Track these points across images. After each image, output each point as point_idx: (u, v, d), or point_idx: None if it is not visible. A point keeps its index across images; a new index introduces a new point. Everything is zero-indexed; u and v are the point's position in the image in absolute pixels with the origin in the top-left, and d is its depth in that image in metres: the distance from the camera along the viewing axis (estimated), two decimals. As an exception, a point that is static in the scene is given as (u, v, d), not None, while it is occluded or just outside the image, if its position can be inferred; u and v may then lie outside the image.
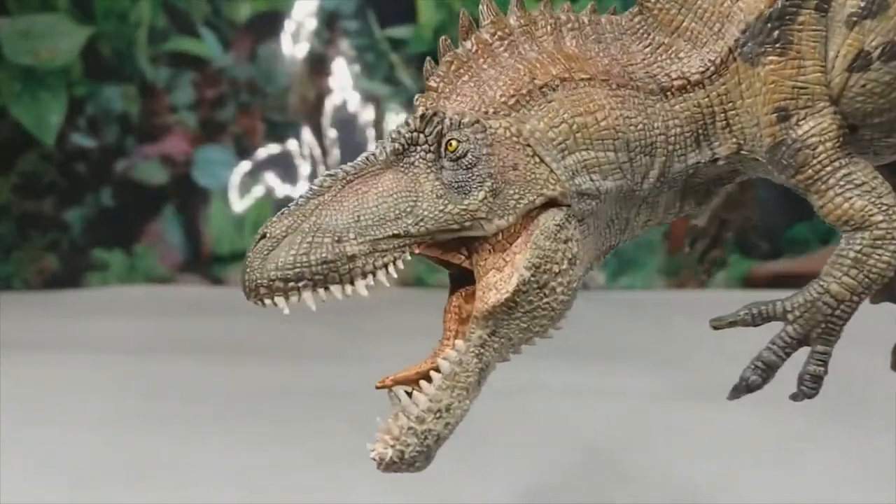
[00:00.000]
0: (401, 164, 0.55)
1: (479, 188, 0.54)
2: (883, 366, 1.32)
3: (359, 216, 0.53)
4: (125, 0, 1.68)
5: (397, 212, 0.53)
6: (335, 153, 1.79)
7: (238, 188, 1.78)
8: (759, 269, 1.78)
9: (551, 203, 0.56)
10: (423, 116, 0.55)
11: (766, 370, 0.60)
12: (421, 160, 0.54)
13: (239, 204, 1.79)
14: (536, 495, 0.95)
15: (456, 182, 0.54)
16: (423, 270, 1.75)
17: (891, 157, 0.63)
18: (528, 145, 0.56)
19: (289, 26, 1.70)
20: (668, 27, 0.60)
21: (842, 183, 0.58)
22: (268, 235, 0.52)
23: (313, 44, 1.70)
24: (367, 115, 1.79)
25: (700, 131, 0.60)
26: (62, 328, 1.49)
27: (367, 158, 0.55)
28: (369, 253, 0.53)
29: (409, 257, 0.53)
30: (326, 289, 0.51)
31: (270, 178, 1.80)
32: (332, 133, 1.79)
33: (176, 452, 1.02)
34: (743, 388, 0.60)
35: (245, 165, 1.79)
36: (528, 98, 0.57)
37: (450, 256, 0.55)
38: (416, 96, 0.57)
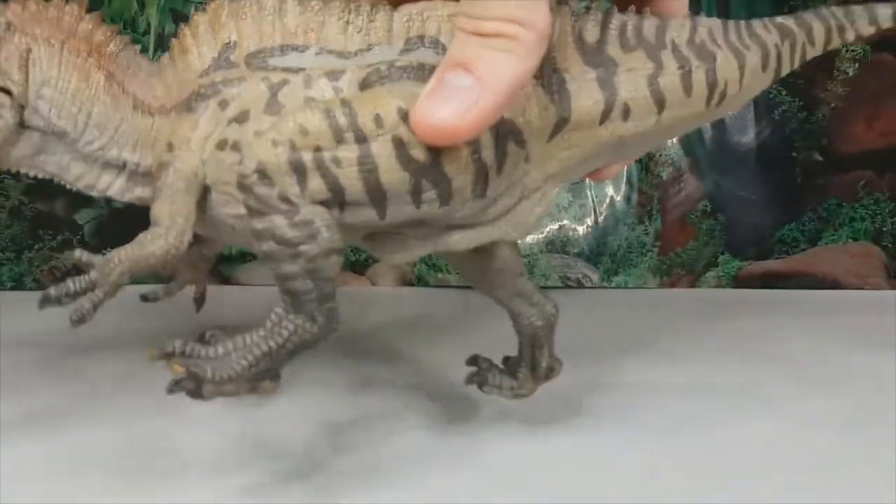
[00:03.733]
0: None
1: None
2: (883, 365, 1.33)
3: None
4: (133, 7, 1.70)
5: None
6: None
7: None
8: (749, 268, 1.80)
9: (8, 93, 0.87)
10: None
11: (62, 293, 0.84)
12: None
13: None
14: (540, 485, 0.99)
15: None
16: (424, 270, 1.77)
17: (232, 230, 0.90)
18: (27, 60, 0.87)
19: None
20: (164, 76, 0.91)
21: (165, 196, 0.87)
22: None
23: (317, 50, 1.72)
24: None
25: (138, 141, 0.90)
26: (72, 327, 1.50)
27: None
28: None
29: None
30: None
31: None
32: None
33: (180, 452, 1.04)
34: (51, 299, 0.85)
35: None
36: (53, 44, 0.88)
37: None
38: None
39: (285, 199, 0.80)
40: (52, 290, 0.84)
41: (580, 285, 1.79)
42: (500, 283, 1.00)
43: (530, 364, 1.02)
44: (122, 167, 0.92)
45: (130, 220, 1.80)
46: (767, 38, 0.98)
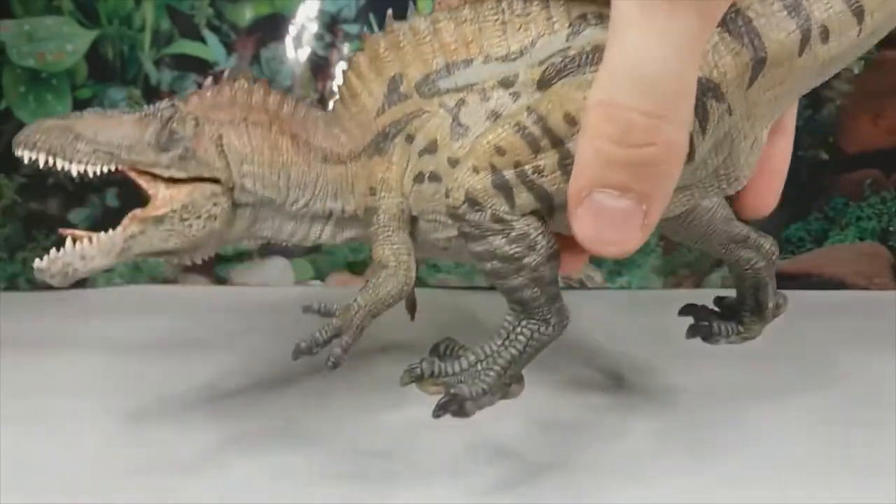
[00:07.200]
0: (143, 120, 0.89)
1: (174, 151, 0.89)
2: (883, 364, 1.32)
3: (97, 133, 0.87)
4: (129, 3, 1.69)
5: (120, 141, 0.88)
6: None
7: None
8: (755, 268, 1.78)
9: (217, 181, 0.91)
10: (169, 105, 0.91)
11: (312, 343, 0.87)
12: (153, 123, 0.89)
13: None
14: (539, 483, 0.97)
15: (164, 142, 0.89)
16: (424, 271, 1.76)
17: (444, 250, 0.94)
18: (222, 146, 0.91)
19: (291, 30, 1.71)
20: (342, 123, 0.95)
21: (382, 238, 0.90)
22: (43, 123, 0.87)
23: (315, 47, 1.72)
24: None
25: (338, 189, 0.95)
26: (67, 328, 1.50)
27: (126, 109, 0.91)
28: (89, 153, 0.87)
29: (113, 168, 0.88)
30: (53, 158, 0.86)
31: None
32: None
33: (180, 451, 1.03)
34: (303, 350, 0.86)
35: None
36: (238, 124, 0.92)
37: (142, 179, 0.89)
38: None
39: (498, 219, 0.81)
40: (303, 343, 0.87)
41: (583, 286, 1.78)
42: (712, 233, 0.99)
43: (755, 307, 1.02)
44: (328, 216, 0.96)
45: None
46: None
